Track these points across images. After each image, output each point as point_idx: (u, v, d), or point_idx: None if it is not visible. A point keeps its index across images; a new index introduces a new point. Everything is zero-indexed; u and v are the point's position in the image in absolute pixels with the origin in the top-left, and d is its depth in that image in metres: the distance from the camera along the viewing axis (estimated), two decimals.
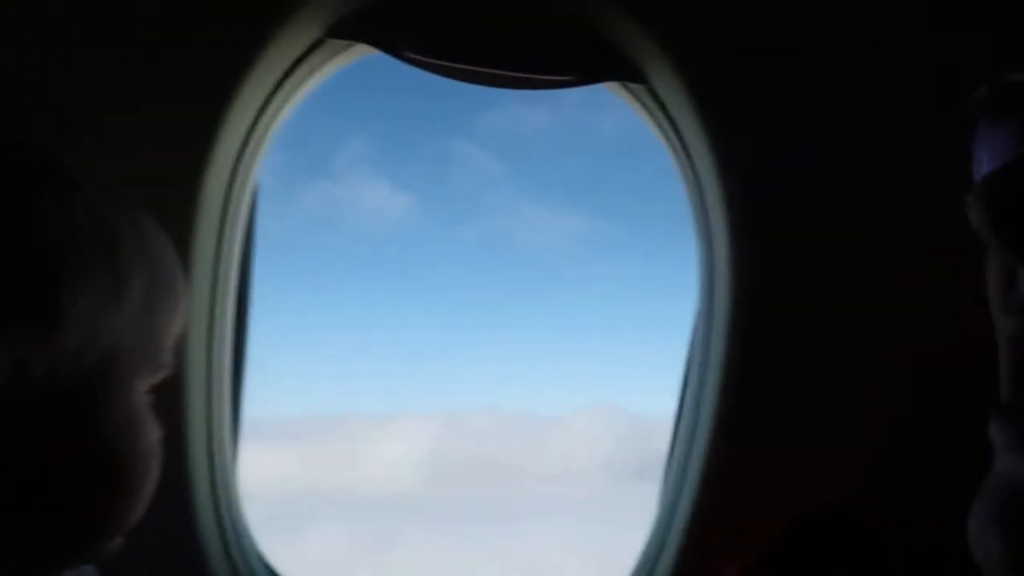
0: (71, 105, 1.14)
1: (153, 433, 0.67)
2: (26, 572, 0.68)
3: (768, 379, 1.28)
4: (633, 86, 1.31)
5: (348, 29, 1.19)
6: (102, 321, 0.61)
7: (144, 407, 0.66)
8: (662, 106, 1.31)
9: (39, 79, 1.13)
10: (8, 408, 0.57)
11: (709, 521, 1.31)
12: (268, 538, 1.43)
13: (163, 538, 1.11)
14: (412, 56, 1.20)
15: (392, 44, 1.20)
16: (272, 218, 1.43)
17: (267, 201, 1.42)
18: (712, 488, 1.30)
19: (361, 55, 1.26)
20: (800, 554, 1.29)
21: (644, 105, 1.34)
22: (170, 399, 1.22)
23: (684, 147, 1.33)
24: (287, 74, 1.22)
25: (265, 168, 1.36)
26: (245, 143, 1.24)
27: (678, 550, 1.33)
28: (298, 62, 1.22)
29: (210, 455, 1.31)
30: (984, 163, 0.68)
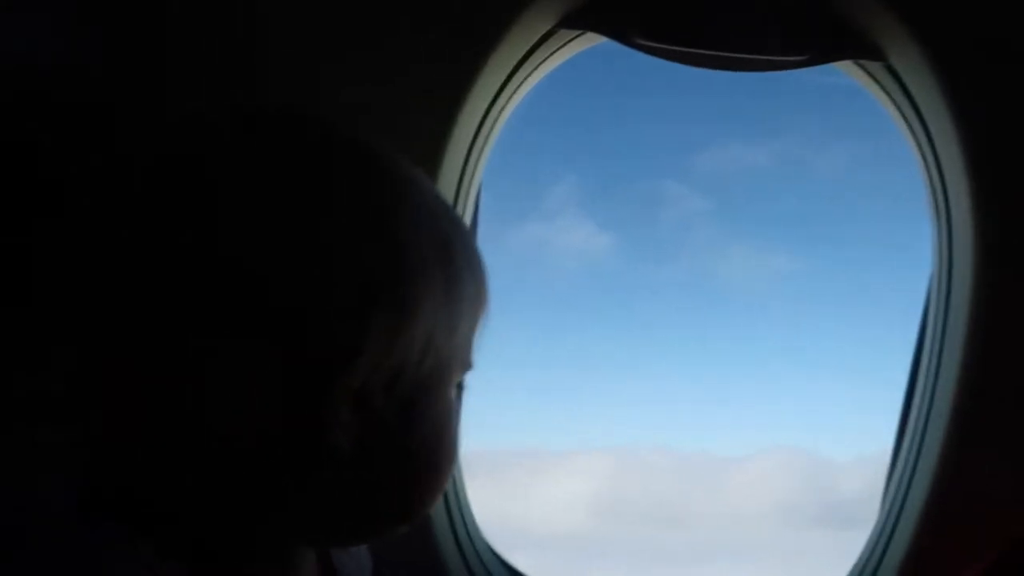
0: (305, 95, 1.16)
1: (456, 428, 0.68)
2: (332, 543, 0.72)
3: (1011, 379, 1.20)
4: (869, 64, 1.25)
5: (579, 18, 1.20)
6: (441, 327, 0.62)
7: (453, 404, 0.67)
8: (902, 85, 1.25)
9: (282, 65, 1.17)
10: (356, 409, 0.59)
11: (940, 528, 1.23)
12: None
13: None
14: (643, 43, 1.20)
15: (623, 31, 1.20)
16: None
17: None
18: (945, 492, 1.22)
19: (589, 44, 1.27)
20: None
21: (881, 85, 1.27)
22: None
23: (925, 128, 1.26)
24: (519, 65, 1.23)
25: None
26: (475, 136, 1.26)
27: (904, 556, 1.25)
28: (529, 53, 1.23)
29: None
30: None
